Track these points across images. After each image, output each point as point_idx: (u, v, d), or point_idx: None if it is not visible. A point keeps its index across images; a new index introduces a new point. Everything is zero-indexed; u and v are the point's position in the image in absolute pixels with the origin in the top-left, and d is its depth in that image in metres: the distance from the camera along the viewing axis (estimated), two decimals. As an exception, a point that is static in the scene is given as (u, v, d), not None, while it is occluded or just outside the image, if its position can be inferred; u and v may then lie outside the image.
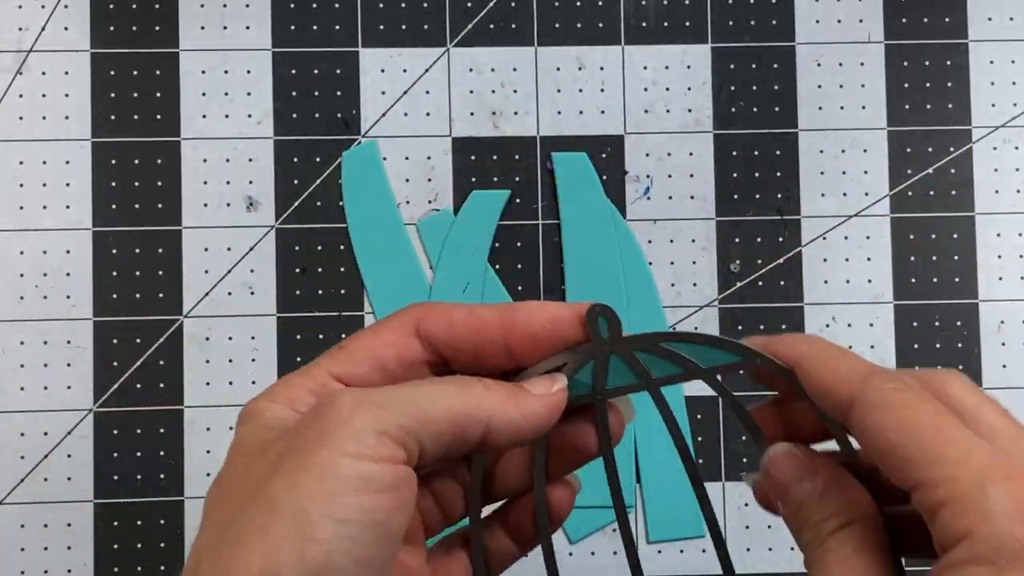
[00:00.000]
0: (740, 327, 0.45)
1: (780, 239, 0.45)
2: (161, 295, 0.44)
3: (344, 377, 0.29)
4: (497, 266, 0.45)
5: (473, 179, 0.45)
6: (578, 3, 0.46)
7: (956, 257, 0.46)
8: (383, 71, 0.46)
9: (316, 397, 0.29)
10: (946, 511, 0.25)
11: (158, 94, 0.45)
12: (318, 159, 0.45)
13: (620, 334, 0.29)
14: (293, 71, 0.45)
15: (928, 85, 0.46)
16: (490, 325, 0.30)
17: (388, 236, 0.45)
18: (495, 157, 0.45)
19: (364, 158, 0.45)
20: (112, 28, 0.45)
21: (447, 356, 0.30)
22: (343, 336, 0.45)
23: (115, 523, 0.44)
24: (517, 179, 0.45)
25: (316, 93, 0.45)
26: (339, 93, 0.45)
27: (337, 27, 0.45)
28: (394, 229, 0.45)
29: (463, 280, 0.45)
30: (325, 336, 0.45)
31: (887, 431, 0.27)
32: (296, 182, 0.45)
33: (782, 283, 0.45)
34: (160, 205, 0.45)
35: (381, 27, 0.46)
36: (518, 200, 0.45)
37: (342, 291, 0.45)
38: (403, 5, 0.46)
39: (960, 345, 0.45)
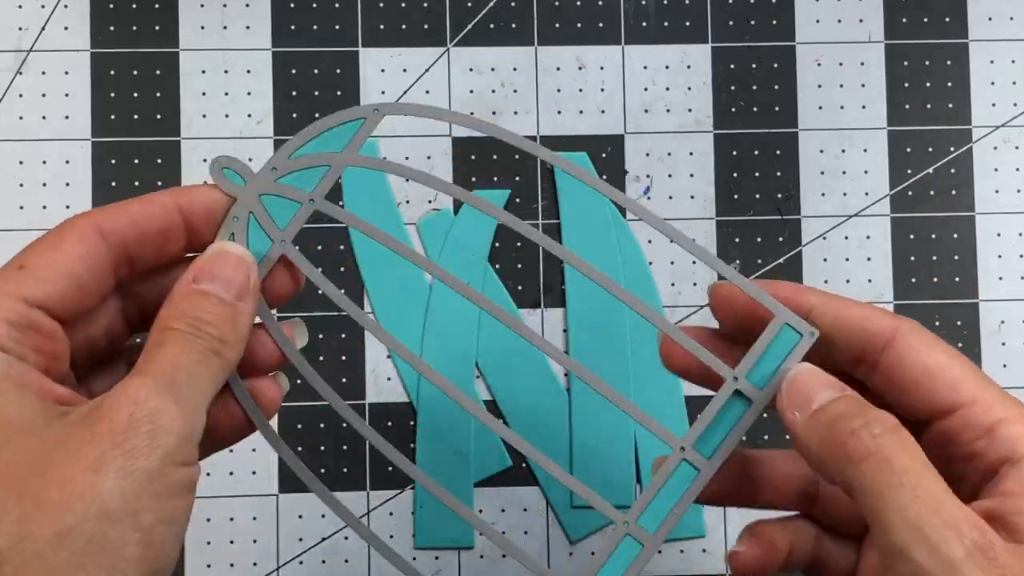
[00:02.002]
0: (740, 327, 0.45)
1: (780, 239, 0.45)
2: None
3: (41, 301, 0.28)
4: (497, 266, 0.45)
5: (473, 179, 0.45)
6: (578, 3, 0.46)
7: (956, 257, 0.46)
8: (383, 71, 0.46)
9: (17, 330, 0.28)
10: (1015, 424, 0.28)
11: (158, 94, 0.45)
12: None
13: (252, 174, 0.29)
14: (293, 71, 0.45)
15: (928, 85, 0.46)
16: (169, 209, 0.30)
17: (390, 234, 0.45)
18: (495, 157, 0.45)
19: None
20: (112, 28, 0.45)
21: (133, 253, 0.30)
22: (343, 336, 0.45)
23: (115, 523, 0.44)
24: (517, 179, 0.45)
25: (316, 93, 0.45)
26: (339, 93, 0.45)
27: (337, 27, 0.45)
28: (394, 229, 0.45)
29: (463, 280, 0.45)
30: (325, 336, 0.45)
31: (940, 353, 0.29)
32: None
33: (782, 283, 0.45)
34: (160, 205, 0.45)
35: (381, 27, 0.46)
36: (518, 200, 0.45)
37: (342, 291, 0.45)
38: (403, 5, 0.46)
39: (960, 345, 0.45)
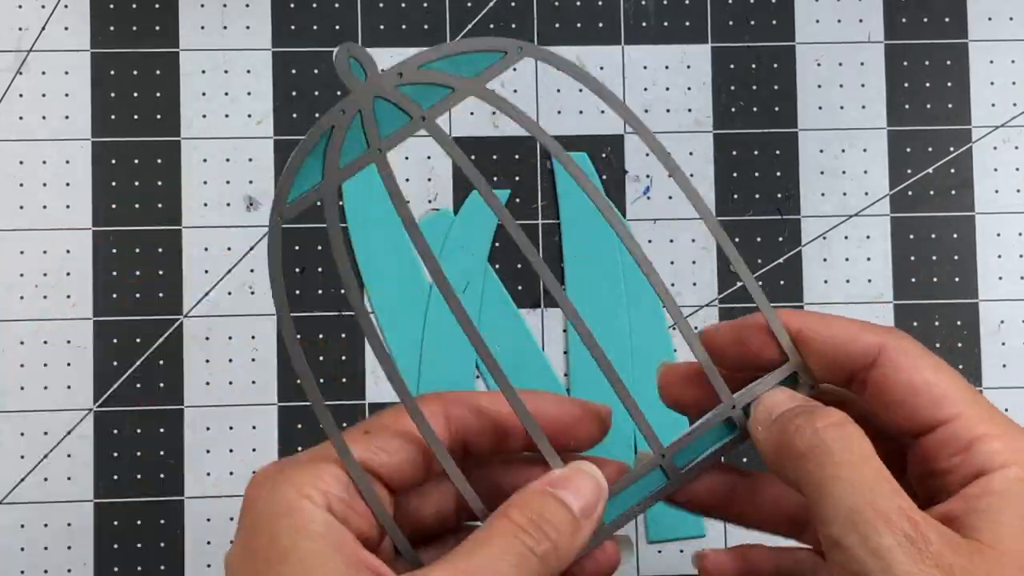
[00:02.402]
0: (740, 327, 0.45)
1: (780, 239, 0.45)
2: (161, 295, 0.44)
3: (377, 468, 0.29)
4: (497, 266, 0.45)
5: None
6: (578, 3, 0.46)
7: (956, 257, 0.46)
8: (383, 71, 0.45)
9: (349, 493, 0.29)
10: (993, 441, 0.28)
11: (158, 94, 0.45)
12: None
13: (376, 72, 0.27)
14: (293, 71, 0.45)
15: (928, 85, 0.46)
16: (512, 414, 0.30)
17: (388, 236, 0.45)
18: (495, 157, 0.45)
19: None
20: (112, 28, 0.45)
21: (470, 441, 0.31)
22: (343, 336, 0.45)
23: (115, 523, 0.44)
24: (517, 179, 0.45)
25: (316, 93, 0.45)
26: (339, 93, 0.45)
27: (337, 27, 0.45)
28: (394, 229, 0.45)
29: (463, 280, 0.45)
30: (325, 336, 0.45)
31: (924, 369, 0.29)
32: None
33: (782, 283, 0.45)
34: (160, 205, 0.45)
35: (381, 27, 0.46)
36: (518, 200, 0.45)
37: (342, 291, 0.45)
38: (403, 5, 0.46)
39: (960, 345, 0.45)
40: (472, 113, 0.45)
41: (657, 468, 0.31)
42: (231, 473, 0.44)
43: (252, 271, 0.45)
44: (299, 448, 0.44)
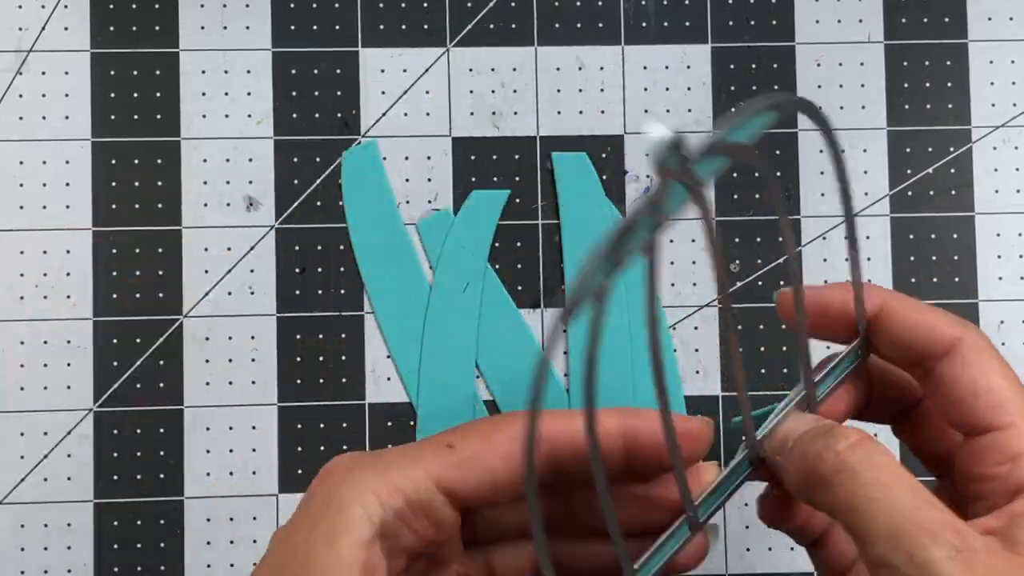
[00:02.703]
0: (740, 327, 0.45)
1: (780, 239, 0.45)
2: (161, 295, 0.44)
3: (452, 488, 0.28)
4: (497, 266, 0.45)
5: (473, 179, 0.45)
6: (578, 3, 0.46)
7: (956, 257, 0.46)
8: (383, 71, 0.46)
9: (411, 510, 0.27)
10: None
11: (158, 94, 0.45)
12: (318, 159, 0.45)
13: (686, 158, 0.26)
14: (293, 71, 0.45)
15: (928, 85, 0.46)
16: (612, 434, 0.29)
17: (388, 236, 0.45)
18: (495, 157, 0.45)
19: (364, 158, 0.45)
20: (112, 28, 0.45)
21: (564, 467, 0.29)
22: (343, 336, 0.45)
23: (115, 523, 0.44)
24: (517, 179, 0.45)
25: (316, 93, 0.45)
26: (339, 93, 0.45)
27: (337, 27, 0.45)
28: (394, 229, 0.45)
29: (463, 280, 0.45)
30: (325, 336, 0.45)
31: (992, 373, 0.29)
32: (296, 182, 0.45)
33: (782, 283, 0.45)
34: (160, 205, 0.45)
35: (381, 27, 0.46)
36: (518, 200, 0.45)
37: (342, 291, 0.45)
38: (403, 5, 0.46)
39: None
40: (472, 113, 0.45)
41: (685, 525, 0.30)
42: (231, 473, 0.44)
43: (252, 271, 0.45)
44: (299, 448, 0.44)
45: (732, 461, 0.30)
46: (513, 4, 0.46)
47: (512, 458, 0.28)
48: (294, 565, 0.26)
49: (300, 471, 0.44)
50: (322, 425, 0.44)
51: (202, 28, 0.45)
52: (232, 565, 0.44)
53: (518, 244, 0.45)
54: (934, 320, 0.30)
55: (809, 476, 0.28)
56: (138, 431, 0.44)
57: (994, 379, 0.29)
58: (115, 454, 0.44)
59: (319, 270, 0.45)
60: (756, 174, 0.46)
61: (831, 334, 0.32)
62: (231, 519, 0.44)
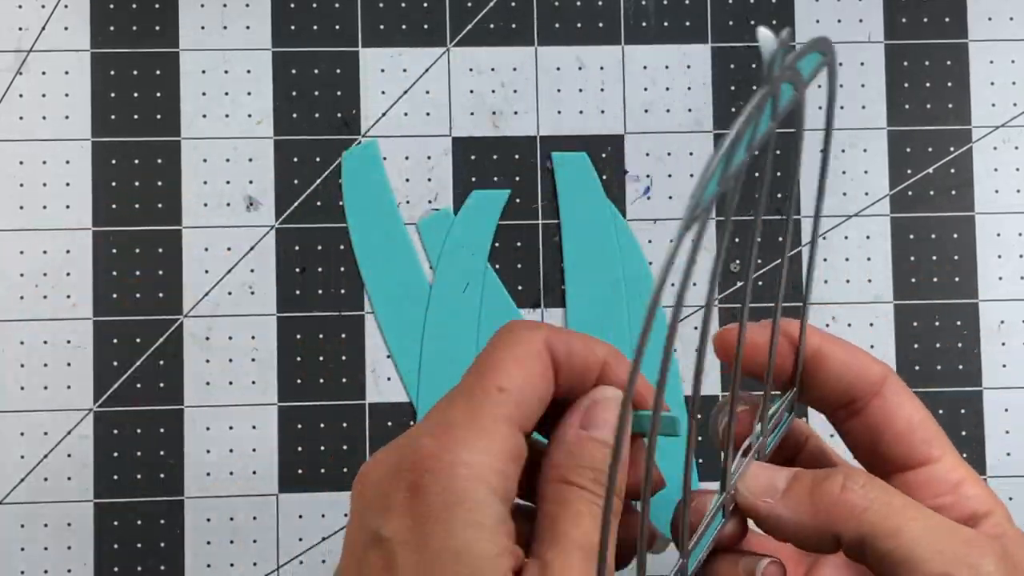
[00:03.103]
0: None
1: (780, 239, 0.45)
2: (161, 295, 0.44)
3: (527, 431, 0.28)
4: (497, 266, 0.45)
5: (473, 179, 0.45)
6: (578, 3, 0.46)
7: (956, 257, 0.46)
8: (383, 71, 0.46)
9: (516, 465, 0.28)
10: (973, 486, 0.30)
11: (158, 94, 0.45)
12: (318, 159, 0.45)
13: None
14: (293, 71, 0.45)
15: (928, 85, 0.46)
16: (600, 363, 0.30)
17: (388, 236, 0.45)
18: (495, 157, 0.45)
19: (364, 158, 0.45)
20: (112, 28, 0.45)
21: (557, 382, 0.30)
22: (343, 336, 0.45)
23: (115, 523, 0.44)
24: (517, 179, 0.45)
25: (316, 93, 0.45)
26: (339, 93, 0.45)
27: (337, 27, 0.46)
28: (394, 229, 0.45)
29: (463, 280, 0.45)
30: (325, 336, 0.45)
31: (916, 409, 0.31)
32: (296, 182, 0.45)
33: (779, 283, 0.45)
34: (160, 205, 0.45)
35: (381, 27, 0.46)
36: (518, 200, 0.45)
37: (342, 291, 0.45)
38: (403, 5, 0.46)
39: (960, 345, 0.45)
40: (472, 113, 0.45)
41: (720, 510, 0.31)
42: (231, 473, 0.44)
43: (252, 271, 0.45)
44: (299, 448, 0.44)
45: (710, 510, 0.31)
46: (513, 4, 0.46)
47: (544, 378, 0.29)
48: (444, 563, 0.26)
49: (300, 471, 0.44)
50: (322, 425, 0.44)
51: (202, 28, 0.45)
52: (232, 565, 0.44)
53: (518, 244, 0.45)
54: (864, 360, 0.31)
55: (831, 512, 0.29)
56: (138, 431, 0.44)
57: (922, 414, 0.31)
58: (115, 454, 0.44)
59: (319, 270, 0.45)
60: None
61: (760, 375, 0.32)
62: (231, 519, 0.44)
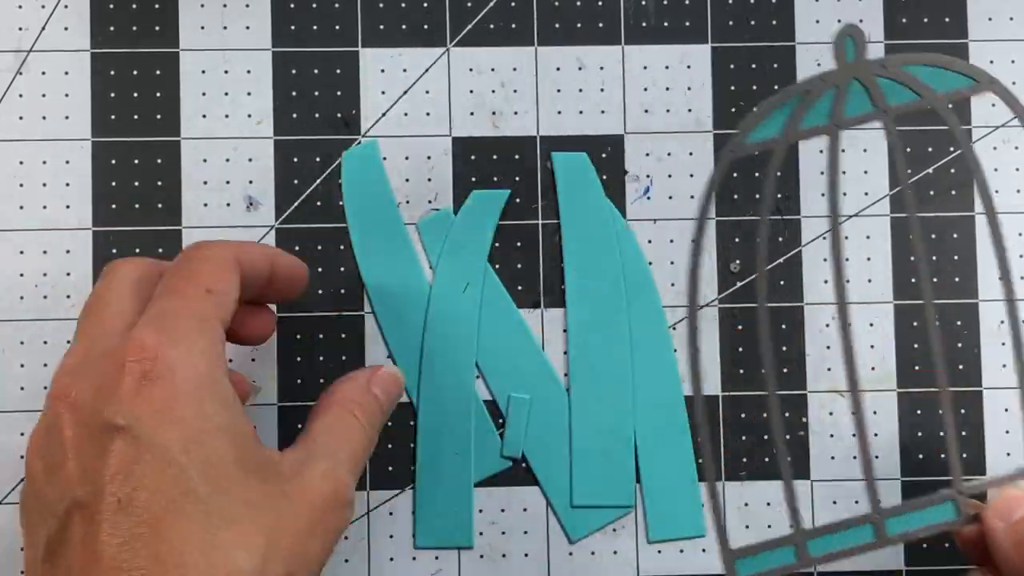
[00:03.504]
0: (740, 327, 0.45)
1: (780, 239, 0.45)
2: (161, 295, 0.44)
3: (225, 321, 0.33)
4: (497, 266, 0.45)
5: (473, 179, 0.45)
6: (578, 3, 0.46)
7: (956, 257, 0.46)
8: (383, 71, 0.46)
9: (224, 356, 0.32)
10: None
11: (158, 94, 0.45)
12: (318, 159, 0.45)
13: (864, 56, 0.29)
14: (293, 71, 0.45)
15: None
16: (268, 262, 0.36)
17: (388, 236, 0.45)
18: (495, 157, 0.45)
19: (364, 158, 0.45)
20: (112, 28, 0.45)
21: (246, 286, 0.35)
22: (343, 336, 0.45)
23: (115, 523, 0.44)
24: (517, 179, 0.45)
25: (316, 93, 0.45)
26: (339, 93, 0.45)
27: (337, 27, 0.45)
28: (394, 229, 0.45)
29: (463, 280, 0.45)
30: (325, 336, 0.45)
31: None
32: (296, 182, 0.45)
33: (782, 283, 0.45)
34: (160, 205, 0.45)
35: (381, 27, 0.46)
36: (518, 200, 0.45)
37: (342, 291, 0.45)
38: (403, 5, 0.46)
39: (960, 345, 0.45)
40: (472, 113, 0.45)
41: (868, 524, 0.33)
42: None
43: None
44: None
45: (929, 495, 0.33)
46: (513, 4, 0.46)
47: (237, 277, 0.34)
48: (207, 442, 0.30)
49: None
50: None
51: (202, 28, 0.45)
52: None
53: (518, 244, 0.45)
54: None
55: None
56: (138, 431, 0.44)
57: None
58: (115, 454, 0.44)
59: (319, 270, 0.45)
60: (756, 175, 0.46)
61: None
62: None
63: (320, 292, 0.45)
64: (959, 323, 0.45)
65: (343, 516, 0.33)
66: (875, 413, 0.45)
